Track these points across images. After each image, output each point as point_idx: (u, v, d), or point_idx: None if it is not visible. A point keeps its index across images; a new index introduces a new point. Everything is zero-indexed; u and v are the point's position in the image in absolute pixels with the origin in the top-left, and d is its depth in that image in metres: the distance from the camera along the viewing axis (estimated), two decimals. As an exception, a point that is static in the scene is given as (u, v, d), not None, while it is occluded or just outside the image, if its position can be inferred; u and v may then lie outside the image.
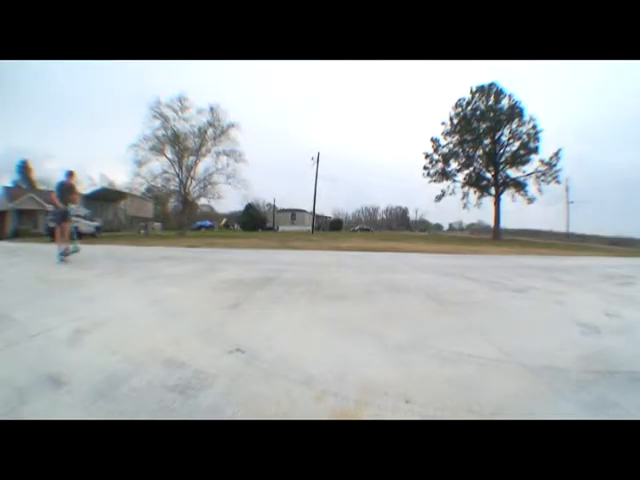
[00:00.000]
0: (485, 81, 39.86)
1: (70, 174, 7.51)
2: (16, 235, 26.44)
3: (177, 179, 29.57)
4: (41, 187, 43.00)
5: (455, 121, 40.41)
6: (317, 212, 46.34)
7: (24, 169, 48.28)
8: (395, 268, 7.30)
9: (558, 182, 38.22)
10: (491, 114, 38.28)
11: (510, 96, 38.21)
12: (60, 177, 7.71)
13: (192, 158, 29.65)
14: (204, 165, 31.07)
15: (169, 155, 29.07)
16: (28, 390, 1.82)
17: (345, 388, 1.89)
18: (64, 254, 7.11)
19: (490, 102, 38.69)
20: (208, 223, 51.58)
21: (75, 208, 24.18)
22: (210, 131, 31.14)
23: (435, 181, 41.42)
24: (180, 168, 29.25)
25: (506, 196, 39.34)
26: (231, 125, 31.72)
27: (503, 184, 39.13)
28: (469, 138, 39.32)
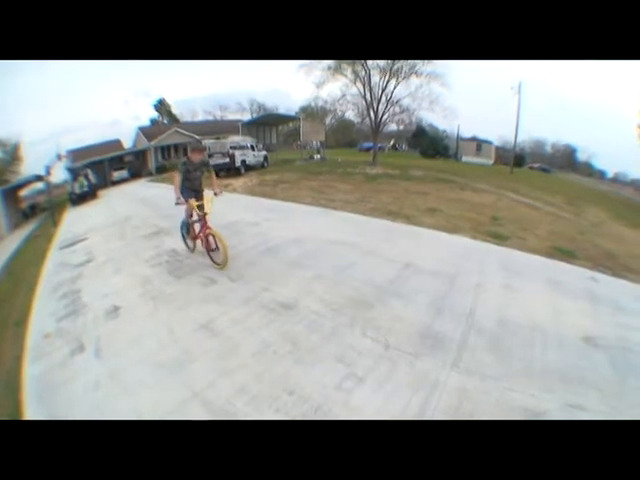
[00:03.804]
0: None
1: None
2: (162, 171, 26.72)
3: (364, 101, 21.81)
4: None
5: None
6: (497, 142, 42.93)
7: (161, 107, 47.94)
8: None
9: None
10: None
11: None
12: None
13: (384, 78, 21.09)
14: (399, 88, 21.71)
15: (349, 75, 21.42)
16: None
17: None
18: None
19: None
20: (371, 145, 43.43)
21: (241, 140, 20.54)
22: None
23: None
24: (369, 89, 21.07)
25: None
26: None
27: None
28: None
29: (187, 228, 5.57)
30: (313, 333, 3.27)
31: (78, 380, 2.91)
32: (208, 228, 4.94)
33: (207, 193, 5.30)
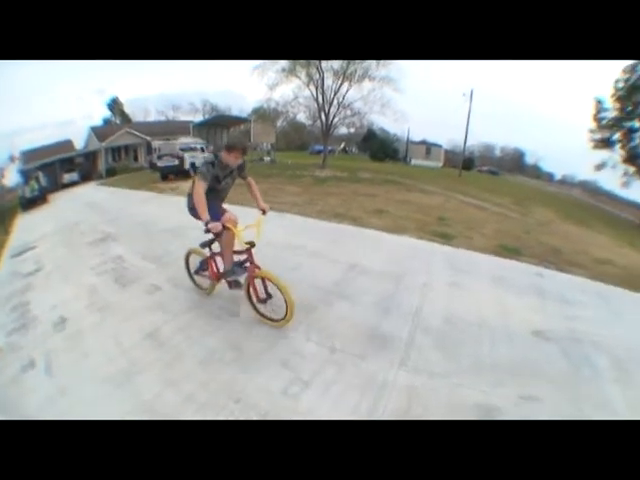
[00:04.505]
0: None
1: None
2: (112, 173, 24.71)
3: (316, 103, 21.47)
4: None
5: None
6: (446, 146, 44.49)
7: (114, 105, 43.86)
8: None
9: None
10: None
11: None
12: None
13: (338, 81, 21.07)
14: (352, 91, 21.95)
15: (303, 77, 21.07)
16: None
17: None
18: None
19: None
20: (322, 148, 43.05)
21: (192, 141, 19.10)
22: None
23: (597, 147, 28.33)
24: (322, 91, 21.01)
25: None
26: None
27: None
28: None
29: (204, 262, 3.71)
30: (257, 339, 3.09)
31: (30, 398, 2.77)
32: (256, 267, 3.17)
33: (234, 210, 3.70)
